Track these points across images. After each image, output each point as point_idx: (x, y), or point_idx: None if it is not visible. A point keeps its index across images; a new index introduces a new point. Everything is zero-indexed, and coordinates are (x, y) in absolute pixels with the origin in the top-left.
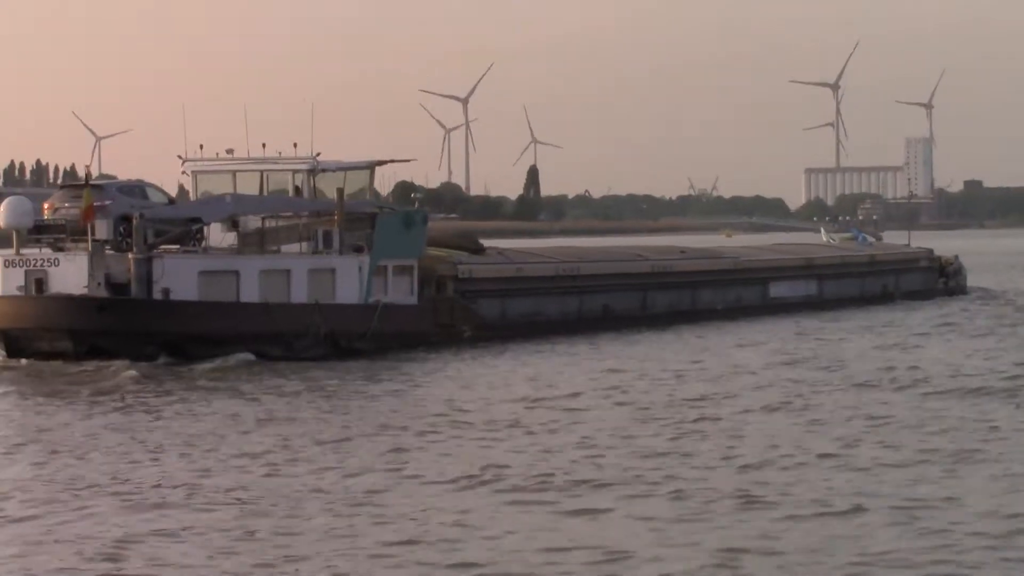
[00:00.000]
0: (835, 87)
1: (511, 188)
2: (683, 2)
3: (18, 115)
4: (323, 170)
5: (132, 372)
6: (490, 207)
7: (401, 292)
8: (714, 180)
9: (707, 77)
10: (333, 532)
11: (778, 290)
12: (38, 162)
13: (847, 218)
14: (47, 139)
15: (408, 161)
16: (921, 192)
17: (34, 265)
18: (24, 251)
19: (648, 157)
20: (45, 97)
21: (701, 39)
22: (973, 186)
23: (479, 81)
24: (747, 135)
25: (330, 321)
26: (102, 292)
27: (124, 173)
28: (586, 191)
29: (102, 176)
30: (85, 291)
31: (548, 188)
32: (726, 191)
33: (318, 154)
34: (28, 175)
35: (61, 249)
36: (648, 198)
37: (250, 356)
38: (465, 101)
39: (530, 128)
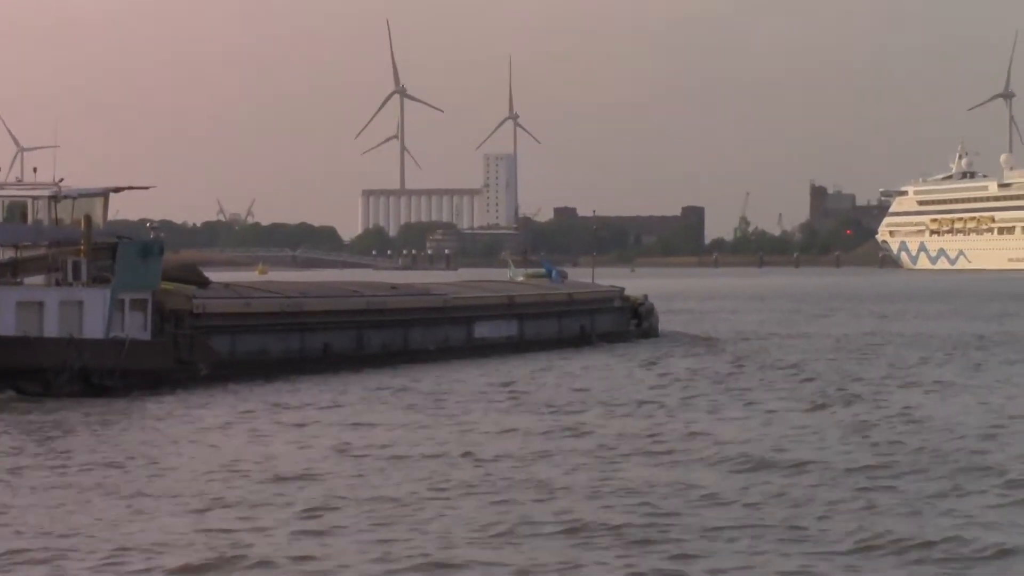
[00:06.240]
0: (402, 92)
1: None
2: None
3: None
4: (65, 196)
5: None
6: None
7: (136, 327)
8: (250, 204)
9: (239, 76)
10: None
11: (482, 330)
12: None
13: (414, 252)
14: None
15: (147, 188)
16: (504, 221)
17: None
18: None
19: (167, 175)
20: None
21: (220, 35)
22: (566, 214)
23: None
24: (292, 149)
25: (83, 356)
26: None
27: None
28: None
29: None
30: None
31: None
32: (264, 217)
33: (61, 179)
34: None
35: None
36: (166, 224)
37: (12, 393)
38: None
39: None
